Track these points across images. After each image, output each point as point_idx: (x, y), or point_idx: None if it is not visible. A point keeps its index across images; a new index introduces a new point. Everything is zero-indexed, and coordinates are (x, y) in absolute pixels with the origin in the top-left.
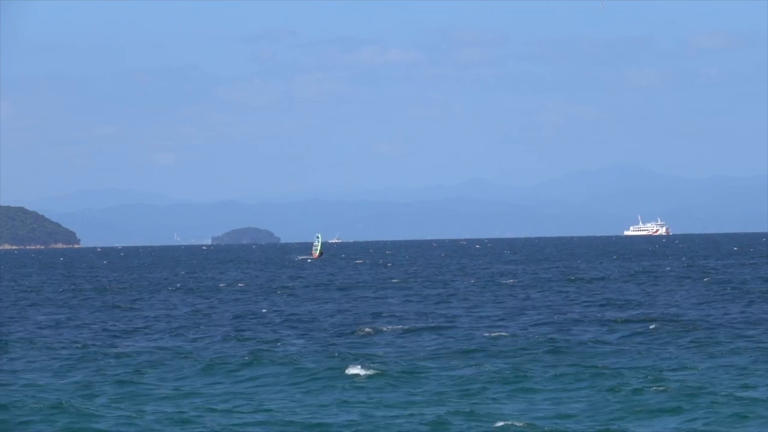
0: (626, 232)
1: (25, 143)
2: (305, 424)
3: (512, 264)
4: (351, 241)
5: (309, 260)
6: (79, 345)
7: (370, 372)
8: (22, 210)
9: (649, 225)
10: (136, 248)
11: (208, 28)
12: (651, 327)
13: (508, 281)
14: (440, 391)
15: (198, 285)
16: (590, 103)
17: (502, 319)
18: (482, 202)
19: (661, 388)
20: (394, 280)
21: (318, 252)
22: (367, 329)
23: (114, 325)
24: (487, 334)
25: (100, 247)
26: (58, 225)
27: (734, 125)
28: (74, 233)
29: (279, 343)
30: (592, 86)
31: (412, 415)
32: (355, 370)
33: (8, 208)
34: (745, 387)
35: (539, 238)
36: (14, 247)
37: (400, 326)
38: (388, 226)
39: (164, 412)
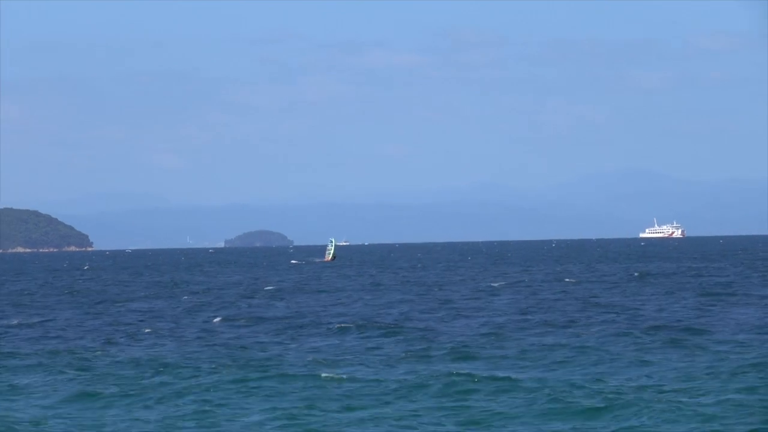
0: (642, 235)
1: (34, 146)
2: None
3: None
4: (366, 243)
5: (318, 261)
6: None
7: None
8: (35, 213)
9: (664, 227)
10: (145, 251)
11: (214, 29)
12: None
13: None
14: None
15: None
16: (597, 105)
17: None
18: (492, 205)
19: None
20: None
21: (331, 255)
22: None
23: None
24: None
25: (108, 251)
26: (71, 228)
27: (744, 127)
28: (87, 236)
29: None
30: (598, 88)
31: None
32: None
33: (21, 211)
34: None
35: (562, 241)
36: (27, 250)
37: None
38: (399, 229)
39: None
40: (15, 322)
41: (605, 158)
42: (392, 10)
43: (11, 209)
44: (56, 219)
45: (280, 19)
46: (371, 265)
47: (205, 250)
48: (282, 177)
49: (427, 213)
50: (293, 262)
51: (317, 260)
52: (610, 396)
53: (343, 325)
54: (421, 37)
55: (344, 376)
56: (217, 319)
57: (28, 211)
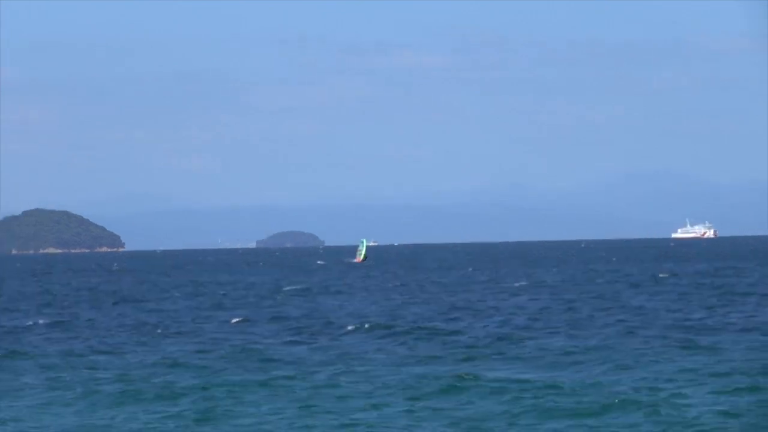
0: (674, 235)
1: (63, 147)
2: None
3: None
4: (396, 244)
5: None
6: None
7: None
8: (66, 214)
9: (696, 227)
10: (176, 252)
11: (243, 30)
12: None
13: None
14: None
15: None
16: (617, 105)
17: None
18: (519, 207)
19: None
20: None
21: (362, 256)
22: None
23: None
24: None
25: (139, 251)
26: (102, 229)
27: (762, 128)
28: (119, 237)
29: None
30: (618, 89)
31: None
32: None
33: (52, 211)
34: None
35: (590, 241)
36: (59, 251)
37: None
38: (429, 230)
39: None
40: (34, 322)
41: (631, 160)
42: (423, 12)
43: (42, 210)
44: (88, 220)
45: (308, 21)
46: (399, 265)
47: (236, 250)
48: (312, 178)
49: (456, 213)
50: (320, 262)
51: (348, 261)
52: (615, 397)
53: (355, 326)
54: (451, 39)
55: (342, 378)
56: (235, 320)
57: (59, 211)
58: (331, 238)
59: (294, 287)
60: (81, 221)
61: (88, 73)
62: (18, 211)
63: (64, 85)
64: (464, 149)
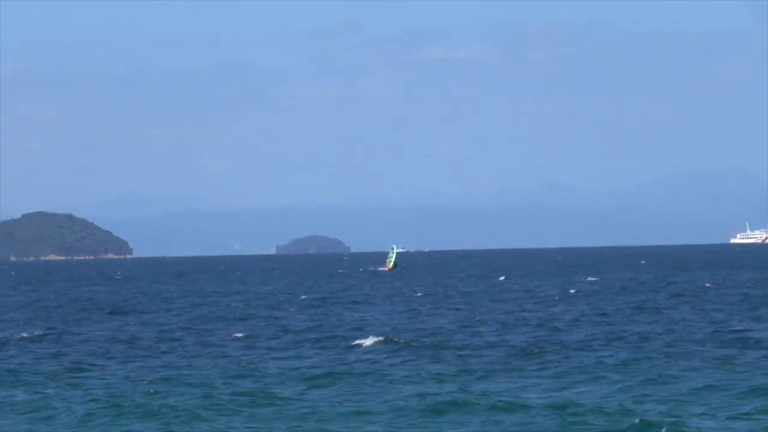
0: (733, 240)
1: (68, 147)
2: None
3: None
4: (426, 250)
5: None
6: None
7: None
8: (69, 217)
9: (756, 232)
10: (187, 259)
11: (265, 22)
12: None
13: None
14: None
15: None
16: (668, 104)
17: None
18: (559, 209)
19: None
20: None
21: (392, 263)
22: None
23: None
24: None
25: (149, 258)
26: (108, 233)
27: None
28: (126, 242)
29: None
30: (670, 85)
31: None
32: None
33: (55, 215)
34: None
35: (643, 248)
36: (61, 258)
37: None
38: (461, 234)
39: None
40: (20, 335)
41: (683, 160)
42: (461, 3)
43: (43, 213)
44: (92, 224)
45: (339, 12)
46: (427, 272)
47: (254, 257)
48: (338, 179)
49: (493, 217)
50: (340, 271)
51: (377, 269)
52: (637, 416)
53: (364, 340)
54: (490, 31)
55: (307, 399)
56: (237, 334)
57: (62, 215)
58: (358, 243)
59: (307, 296)
60: (85, 225)
61: (96, 69)
62: (18, 214)
63: (68, 81)
64: (503, 147)
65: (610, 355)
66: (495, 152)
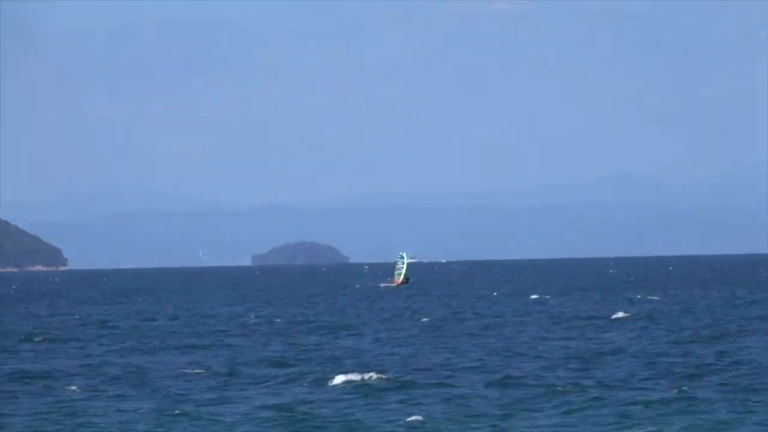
0: None
1: None
2: None
3: None
4: (444, 261)
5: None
6: None
7: None
8: None
9: None
10: (133, 271)
11: None
12: None
13: None
14: None
15: None
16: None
17: None
18: (627, 207)
19: None
20: None
21: (402, 277)
22: None
23: None
24: None
25: (85, 270)
26: (37, 239)
27: None
28: (60, 250)
29: None
30: None
31: None
32: None
33: None
34: None
35: (750, 257)
36: None
37: None
38: (492, 240)
39: None
40: None
41: None
42: None
43: None
44: (16, 226)
45: None
46: (442, 290)
47: (224, 269)
48: (335, 169)
49: (533, 218)
50: (382, 285)
51: (382, 285)
52: None
53: (333, 378)
54: None
55: None
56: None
57: None
58: (357, 252)
59: (282, 320)
60: (6, 229)
61: (15, 23)
62: None
63: None
64: (541, 130)
65: (652, 393)
66: (543, 136)
